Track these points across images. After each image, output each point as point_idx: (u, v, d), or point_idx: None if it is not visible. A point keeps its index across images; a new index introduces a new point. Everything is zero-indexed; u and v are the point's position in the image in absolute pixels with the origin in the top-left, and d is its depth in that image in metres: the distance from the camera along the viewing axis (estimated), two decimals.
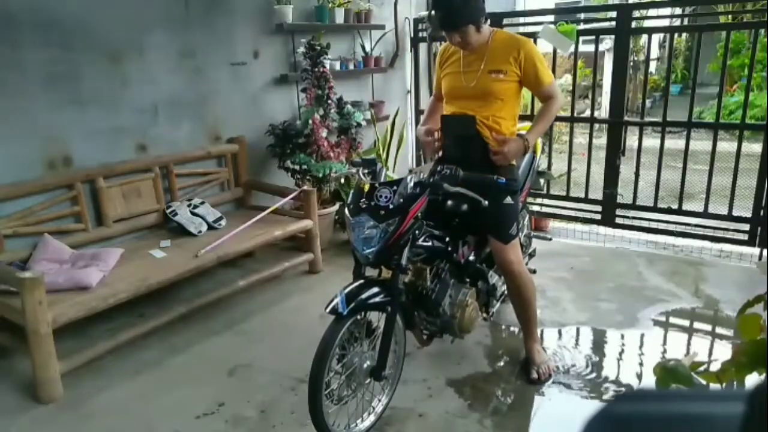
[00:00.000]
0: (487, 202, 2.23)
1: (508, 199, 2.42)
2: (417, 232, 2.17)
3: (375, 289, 2.09)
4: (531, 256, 3.23)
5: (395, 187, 2.07)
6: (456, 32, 2.30)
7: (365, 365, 2.15)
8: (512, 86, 2.40)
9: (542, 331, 2.95)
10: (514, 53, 2.35)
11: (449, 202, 2.47)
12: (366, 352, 2.17)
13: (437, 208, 2.39)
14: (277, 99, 4.15)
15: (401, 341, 2.34)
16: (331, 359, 2.01)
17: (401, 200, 2.06)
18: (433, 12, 2.37)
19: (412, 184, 2.11)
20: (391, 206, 2.04)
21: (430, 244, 2.33)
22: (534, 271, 2.99)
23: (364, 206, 2.07)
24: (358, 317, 2.12)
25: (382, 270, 2.26)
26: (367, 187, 2.11)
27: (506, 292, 2.80)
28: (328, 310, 2.00)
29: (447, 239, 2.41)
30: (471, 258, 2.60)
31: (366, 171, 2.28)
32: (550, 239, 3.52)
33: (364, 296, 2.05)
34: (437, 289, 2.40)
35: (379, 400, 2.29)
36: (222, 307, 3.27)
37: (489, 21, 2.42)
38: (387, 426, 2.29)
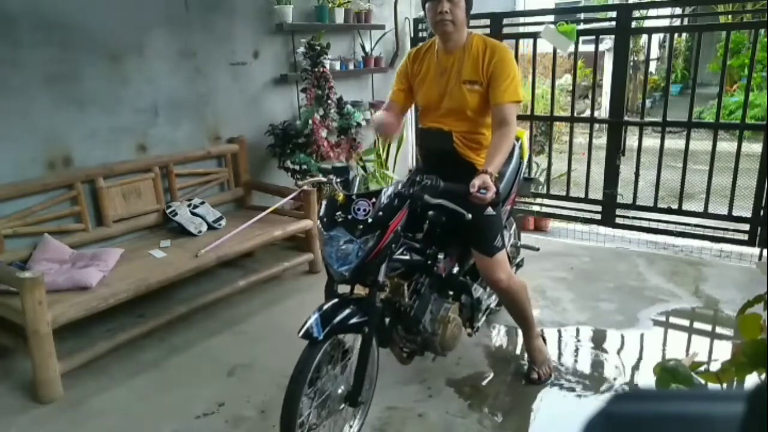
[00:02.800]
0: (470, 216, 2.03)
1: (489, 210, 2.24)
2: (394, 246, 2.01)
3: (351, 309, 1.94)
4: (519, 266, 3.07)
5: (374, 199, 1.91)
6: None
7: (339, 391, 2.00)
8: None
9: (542, 332, 2.94)
10: (486, 57, 2.19)
11: (429, 213, 2.28)
12: (339, 376, 2.01)
13: (416, 218, 2.22)
14: (277, 99, 4.15)
15: (374, 361, 2.15)
16: (305, 387, 1.87)
17: (380, 213, 1.90)
18: None
19: (391, 194, 1.95)
20: (370, 220, 1.88)
21: (408, 257, 2.17)
22: (520, 265, 3.02)
23: (340, 220, 1.91)
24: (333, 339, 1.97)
25: (356, 286, 2.09)
26: (341, 198, 1.95)
27: (492, 305, 2.72)
28: (301, 334, 1.85)
29: (427, 251, 2.25)
30: (454, 271, 2.44)
31: (338, 180, 2.06)
32: (538, 249, 3.27)
33: (339, 318, 1.90)
34: (416, 305, 2.22)
35: (350, 426, 2.14)
36: (222, 307, 3.27)
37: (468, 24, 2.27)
38: (387, 426, 2.28)
